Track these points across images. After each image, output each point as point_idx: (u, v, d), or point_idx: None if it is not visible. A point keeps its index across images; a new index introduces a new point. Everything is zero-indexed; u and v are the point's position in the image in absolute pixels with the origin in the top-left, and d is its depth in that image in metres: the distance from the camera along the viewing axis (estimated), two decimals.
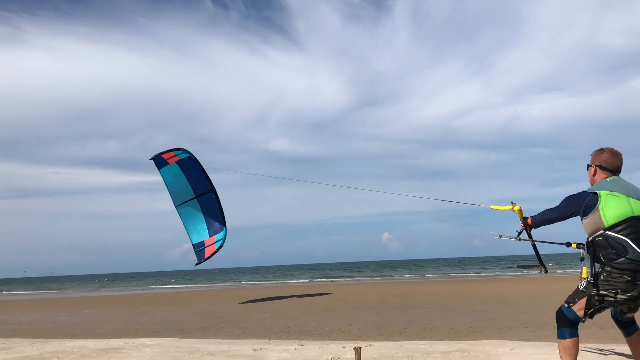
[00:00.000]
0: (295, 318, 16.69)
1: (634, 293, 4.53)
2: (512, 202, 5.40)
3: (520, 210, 5.35)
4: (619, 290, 4.54)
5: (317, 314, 17.81)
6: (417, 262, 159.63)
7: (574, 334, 4.81)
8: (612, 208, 4.57)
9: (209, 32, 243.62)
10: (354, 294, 28.16)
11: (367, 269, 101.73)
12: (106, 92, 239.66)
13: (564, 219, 4.97)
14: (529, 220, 5.27)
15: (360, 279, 59.90)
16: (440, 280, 43.24)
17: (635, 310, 4.86)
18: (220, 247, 21.47)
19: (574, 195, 4.89)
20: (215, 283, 66.15)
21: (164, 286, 64.69)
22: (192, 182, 21.04)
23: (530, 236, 5.41)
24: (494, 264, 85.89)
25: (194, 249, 22.13)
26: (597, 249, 4.65)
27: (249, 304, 24.17)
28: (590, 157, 5.10)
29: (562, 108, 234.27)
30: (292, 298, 26.60)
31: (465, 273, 61.45)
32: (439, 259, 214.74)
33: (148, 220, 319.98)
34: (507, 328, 12.12)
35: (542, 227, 5.26)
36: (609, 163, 4.92)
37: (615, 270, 4.52)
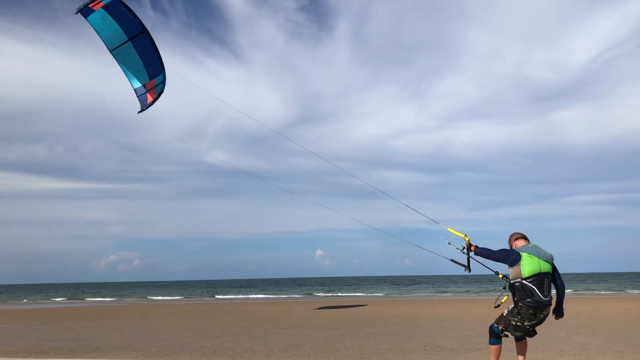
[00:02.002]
0: (213, 337, 17.01)
1: (534, 321, 7.17)
2: (465, 234, 8.00)
3: (469, 240, 7.92)
4: (526, 319, 7.13)
5: (235, 333, 18.19)
6: (349, 280, 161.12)
7: (498, 342, 7.62)
8: (528, 265, 7.01)
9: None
10: (279, 313, 28.63)
11: (299, 285, 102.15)
12: (35, 94, 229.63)
13: (496, 261, 7.41)
14: (472, 248, 7.79)
15: (290, 296, 60.35)
16: (365, 300, 44.36)
17: (534, 332, 7.51)
18: (161, 92, 21.28)
19: (509, 250, 7.42)
20: (136, 298, 64.72)
21: (87, 299, 62.73)
22: (122, 25, 20.66)
23: (468, 254, 7.97)
24: (421, 285, 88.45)
25: (136, 94, 21.85)
26: (515, 290, 7.12)
27: (170, 320, 24.18)
28: (512, 235, 7.84)
29: (490, 135, 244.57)
30: (216, 316, 26.76)
31: (390, 293, 63.13)
32: (370, 277, 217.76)
33: (73, 229, 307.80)
34: (408, 350, 13.00)
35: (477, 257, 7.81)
36: (521, 236, 7.68)
37: (524, 307, 7.02)
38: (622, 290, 57.95)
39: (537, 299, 6.91)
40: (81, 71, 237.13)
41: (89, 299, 64.93)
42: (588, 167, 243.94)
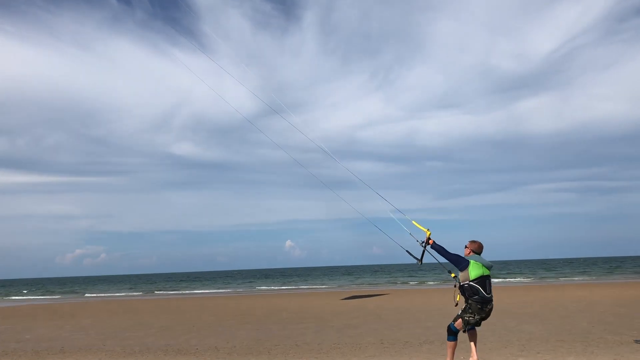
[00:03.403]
0: (177, 335, 17.35)
1: (482, 315, 8.84)
2: (428, 228, 9.32)
3: (429, 234, 9.27)
4: (475, 314, 8.80)
5: (200, 330, 18.56)
6: (319, 270, 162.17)
7: (455, 339, 9.13)
8: (474, 270, 8.82)
9: (112, 29, 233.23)
10: (244, 307, 29.05)
11: (268, 277, 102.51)
12: None
13: (448, 261, 9.02)
14: (431, 241, 9.18)
15: (259, 288, 60.74)
16: (332, 292, 45.08)
17: (480, 323, 9.02)
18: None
19: (461, 257, 9.04)
20: (105, 294, 64.19)
21: (51, 297, 61.96)
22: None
23: (425, 247, 9.34)
24: (390, 273, 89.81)
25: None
26: (465, 290, 8.87)
27: (136, 318, 24.37)
28: (469, 242, 9.30)
29: (456, 124, 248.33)
30: (182, 312, 27.04)
31: (359, 284, 64.07)
32: (340, 267, 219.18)
33: (37, 224, 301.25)
34: (365, 344, 13.60)
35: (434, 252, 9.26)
36: (477, 249, 9.22)
37: (473, 303, 8.76)
38: (582, 277, 60.15)
39: (482, 296, 8.70)
40: (41, 60, 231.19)
41: (53, 296, 64.13)
42: (551, 156, 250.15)
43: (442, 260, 9.17)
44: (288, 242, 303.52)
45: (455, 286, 9.11)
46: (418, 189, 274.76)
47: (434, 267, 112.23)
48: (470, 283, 8.79)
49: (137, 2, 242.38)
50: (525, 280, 57.97)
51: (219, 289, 64.80)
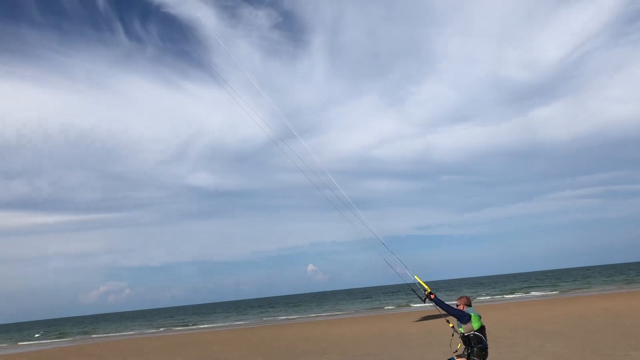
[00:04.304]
0: None
1: (483, 359, 9.74)
2: (428, 286, 10.14)
3: (429, 291, 10.17)
4: (478, 358, 9.70)
5: None
6: (341, 294, 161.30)
7: None
8: (476, 322, 9.93)
9: (124, 67, 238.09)
10: (269, 339, 29.07)
11: (291, 304, 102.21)
12: (11, 129, 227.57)
13: (451, 315, 9.92)
14: (432, 295, 10.07)
15: (282, 318, 60.61)
16: (356, 318, 44.88)
17: None
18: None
19: (463, 311, 10.03)
20: (129, 332, 64.39)
21: (78, 337, 62.44)
22: None
23: (429, 299, 10.13)
24: (409, 296, 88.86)
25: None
26: (471, 339, 9.85)
27: (165, 357, 24.51)
28: (459, 299, 10.37)
29: (471, 137, 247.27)
30: (206, 346, 27.14)
31: (378, 306, 63.72)
32: (364, 288, 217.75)
33: (61, 263, 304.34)
34: None
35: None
36: (468, 302, 10.32)
37: (477, 350, 9.70)
38: (608, 286, 59.11)
39: (484, 343, 9.87)
40: (57, 101, 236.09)
41: (81, 336, 64.59)
42: (570, 162, 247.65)
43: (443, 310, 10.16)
44: (310, 266, 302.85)
45: (452, 335, 10.31)
46: (437, 204, 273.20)
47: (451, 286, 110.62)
48: (475, 333, 9.96)
49: (147, 39, 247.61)
50: (550, 293, 57.03)
51: (242, 319, 64.75)
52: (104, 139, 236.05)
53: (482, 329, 10.18)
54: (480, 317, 10.21)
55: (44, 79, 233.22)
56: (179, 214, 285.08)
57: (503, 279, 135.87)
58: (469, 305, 10.52)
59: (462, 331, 10.13)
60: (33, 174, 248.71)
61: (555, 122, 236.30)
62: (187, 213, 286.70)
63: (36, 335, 76.53)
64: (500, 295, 62.45)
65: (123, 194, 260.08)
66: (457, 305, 10.52)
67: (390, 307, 59.07)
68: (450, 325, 10.25)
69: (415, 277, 10.47)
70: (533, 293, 58.64)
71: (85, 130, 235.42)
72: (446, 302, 10.15)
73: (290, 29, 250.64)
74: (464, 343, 10.10)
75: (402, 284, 10.65)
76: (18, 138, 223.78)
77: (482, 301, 52.98)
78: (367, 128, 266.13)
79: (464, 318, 10.13)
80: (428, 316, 33.54)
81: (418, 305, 52.48)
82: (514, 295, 58.75)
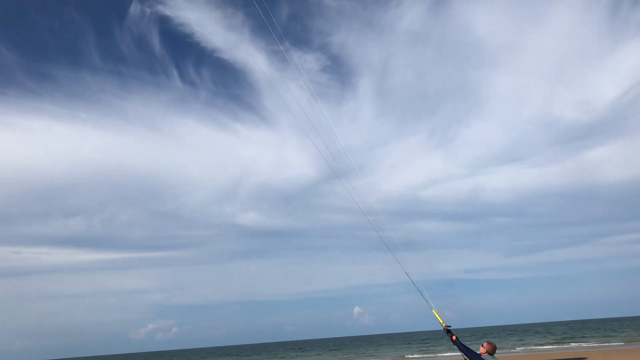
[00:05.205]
0: None
1: None
2: (446, 324, 10.30)
3: (446, 327, 10.27)
4: None
5: None
6: (388, 338, 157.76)
7: None
8: None
9: (178, 109, 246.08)
10: None
11: (336, 348, 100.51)
12: (71, 169, 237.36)
13: (468, 359, 10.05)
14: (453, 337, 10.26)
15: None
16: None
17: None
18: None
19: (481, 357, 10.09)
20: None
21: None
22: None
23: (451, 339, 10.36)
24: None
25: None
26: None
27: None
28: (485, 342, 10.43)
29: (523, 178, 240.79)
30: None
31: (424, 350, 61.71)
32: (411, 333, 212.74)
33: (112, 300, 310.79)
34: None
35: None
36: (492, 350, 10.34)
37: None
38: None
39: None
40: (112, 143, 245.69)
41: None
42: (626, 205, 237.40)
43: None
44: (356, 309, 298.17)
45: None
46: (487, 246, 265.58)
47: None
48: None
49: (201, 83, 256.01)
50: (613, 344, 52.82)
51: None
52: (157, 179, 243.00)
53: None
54: None
55: (103, 122, 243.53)
56: (226, 253, 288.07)
57: (555, 327, 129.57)
58: (491, 353, 10.38)
59: None
60: (89, 212, 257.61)
61: (610, 163, 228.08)
62: (235, 252, 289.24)
63: None
64: (555, 344, 59.07)
65: (173, 232, 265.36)
66: (480, 351, 10.52)
67: (415, 356, 56.60)
68: None
69: (434, 311, 10.59)
70: (593, 345, 54.91)
71: (139, 170, 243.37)
72: (468, 347, 10.20)
73: (339, 72, 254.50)
74: None
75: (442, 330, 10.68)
76: (77, 178, 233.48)
77: (534, 350, 50.40)
78: (414, 168, 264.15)
79: None
80: None
81: (446, 354, 50.44)
82: (570, 345, 55.20)
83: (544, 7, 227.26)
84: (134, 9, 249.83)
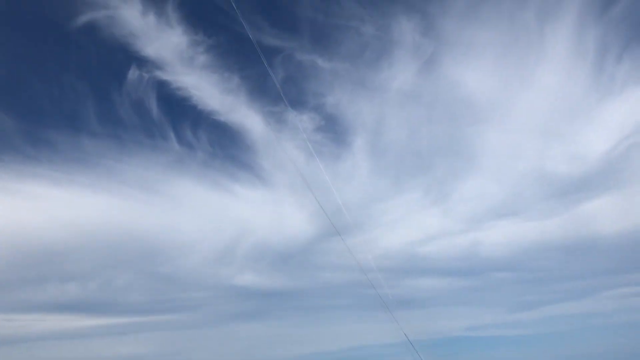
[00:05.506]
0: None
1: None
2: None
3: None
4: None
5: None
6: None
7: None
8: None
9: (175, 171, 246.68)
10: None
11: None
12: (67, 233, 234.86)
13: None
14: None
15: None
16: None
17: None
18: None
19: None
20: None
21: None
22: None
23: None
24: None
25: None
26: None
27: None
28: None
29: (520, 232, 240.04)
30: None
31: None
32: None
33: None
34: None
35: None
36: None
37: None
38: None
39: None
40: (109, 207, 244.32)
41: None
42: (626, 258, 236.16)
43: None
44: None
45: None
46: (488, 302, 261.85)
47: None
48: None
49: (198, 145, 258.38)
50: None
51: None
52: (154, 241, 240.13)
53: None
54: None
55: (101, 185, 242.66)
56: (224, 316, 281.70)
57: None
58: None
59: None
60: (85, 277, 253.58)
61: (607, 215, 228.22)
62: (232, 314, 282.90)
63: None
64: None
65: (170, 295, 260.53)
66: None
67: None
68: None
69: None
70: None
71: (136, 233, 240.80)
72: None
73: (334, 131, 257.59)
74: None
75: None
76: (73, 242, 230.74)
77: None
78: (412, 224, 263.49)
79: None
80: None
81: None
82: None
83: (530, 65, 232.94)
84: (133, 74, 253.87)
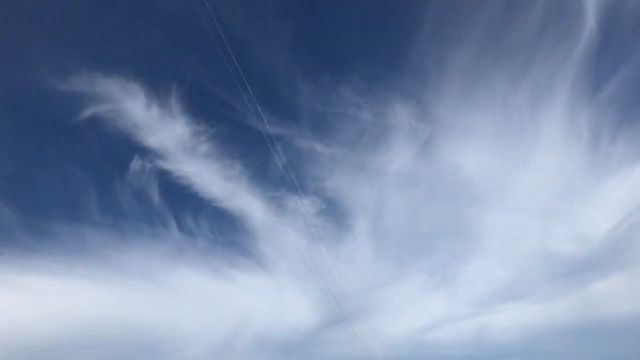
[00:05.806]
0: None
1: None
2: None
3: None
4: None
5: None
6: None
7: None
8: None
9: (175, 260, 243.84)
10: None
11: None
12: (66, 326, 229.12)
13: None
14: None
15: None
16: None
17: None
18: None
19: None
20: None
21: None
22: None
23: None
24: None
25: None
26: None
27: None
28: None
29: (528, 316, 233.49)
30: None
31: None
32: None
33: None
34: None
35: None
36: None
37: None
38: None
39: None
40: (108, 298, 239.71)
41: None
42: (636, 339, 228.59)
43: None
44: None
45: None
46: None
47: None
48: None
49: (198, 232, 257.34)
50: None
51: None
52: (153, 333, 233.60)
53: None
54: None
55: (100, 276, 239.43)
56: None
57: None
58: None
59: None
60: None
61: (616, 296, 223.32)
62: None
63: None
64: None
65: None
66: None
67: None
68: None
69: None
70: None
71: (134, 324, 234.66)
72: None
73: (334, 214, 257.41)
74: None
75: None
76: (70, 336, 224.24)
77: None
78: (416, 309, 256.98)
79: None
80: None
81: None
82: None
83: (526, 146, 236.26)
84: (135, 164, 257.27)
